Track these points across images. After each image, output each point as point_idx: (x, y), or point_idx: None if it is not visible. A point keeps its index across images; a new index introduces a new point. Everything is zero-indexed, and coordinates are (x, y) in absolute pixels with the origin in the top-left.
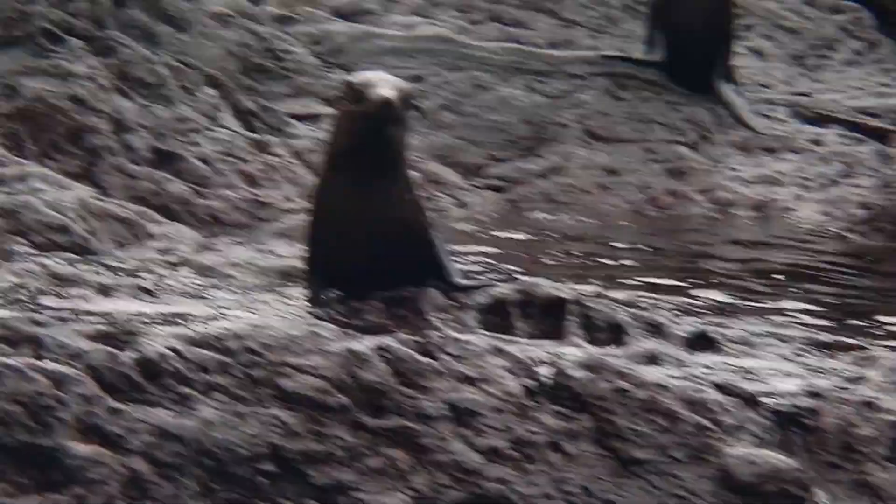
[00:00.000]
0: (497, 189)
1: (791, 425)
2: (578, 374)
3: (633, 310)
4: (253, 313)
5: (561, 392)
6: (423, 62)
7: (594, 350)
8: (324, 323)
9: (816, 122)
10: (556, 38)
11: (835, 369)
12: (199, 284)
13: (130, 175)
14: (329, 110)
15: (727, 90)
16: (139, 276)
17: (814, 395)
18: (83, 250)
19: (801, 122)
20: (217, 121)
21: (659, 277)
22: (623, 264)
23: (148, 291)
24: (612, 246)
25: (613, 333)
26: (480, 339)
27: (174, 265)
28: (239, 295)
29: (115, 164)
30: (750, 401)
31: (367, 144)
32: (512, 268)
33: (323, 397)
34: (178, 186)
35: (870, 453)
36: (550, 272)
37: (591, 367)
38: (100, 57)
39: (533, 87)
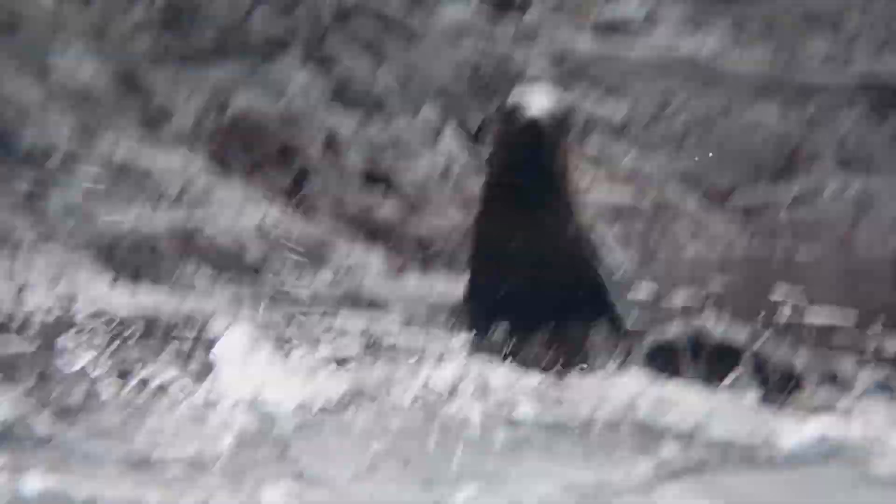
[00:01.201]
0: (742, 217)
1: None
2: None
3: (813, 358)
4: None
5: None
6: (671, 82)
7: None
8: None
9: None
10: (834, 56)
11: None
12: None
13: (339, 196)
14: None
15: None
16: None
17: None
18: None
19: None
20: (438, 143)
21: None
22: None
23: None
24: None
25: (784, 383)
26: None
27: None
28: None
29: (325, 184)
30: None
31: (523, 170)
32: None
33: None
34: (387, 211)
35: None
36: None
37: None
38: (317, 71)
39: (787, 110)
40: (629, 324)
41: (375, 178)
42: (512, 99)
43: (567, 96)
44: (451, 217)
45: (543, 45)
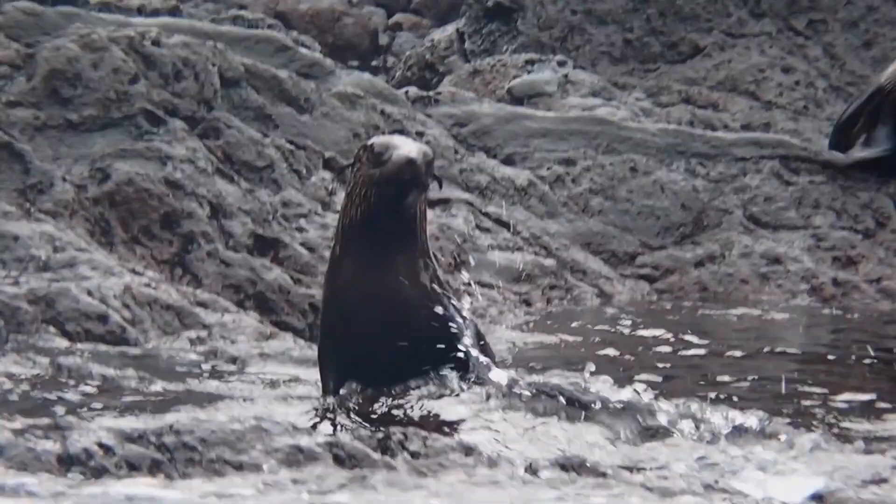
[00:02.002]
0: (647, 279)
1: None
2: (549, 473)
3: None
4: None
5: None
6: (575, 144)
7: None
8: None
9: None
10: (753, 121)
11: None
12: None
13: (225, 262)
14: (466, 195)
15: None
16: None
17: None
18: (120, 340)
19: None
20: (329, 206)
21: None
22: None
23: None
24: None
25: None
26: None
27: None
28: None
29: (210, 251)
30: None
31: (385, 212)
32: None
33: None
34: (276, 274)
35: None
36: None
37: (564, 465)
38: (203, 139)
39: (694, 171)
40: (479, 374)
41: (263, 244)
42: (378, 140)
43: (429, 150)
44: None
45: (444, 110)
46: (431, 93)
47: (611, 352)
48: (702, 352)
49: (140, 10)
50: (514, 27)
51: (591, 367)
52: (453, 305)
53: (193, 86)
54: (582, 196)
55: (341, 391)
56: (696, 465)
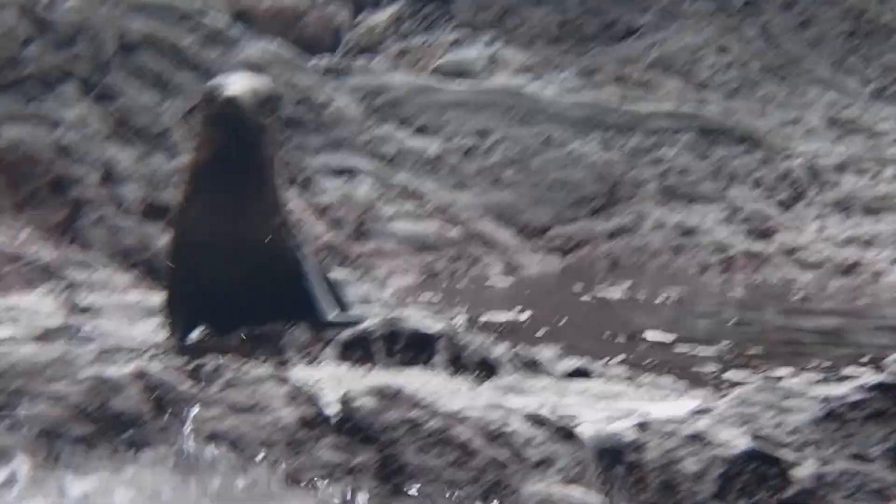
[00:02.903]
0: (558, 251)
1: (612, 460)
2: (365, 402)
3: (511, 347)
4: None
5: (343, 422)
6: (490, 116)
7: (401, 378)
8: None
9: None
10: (685, 101)
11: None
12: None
13: (115, 228)
14: (371, 164)
15: None
16: None
17: (642, 427)
18: None
19: None
20: None
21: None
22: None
23: None
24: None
25: (483, 369)
26: (263, 368)
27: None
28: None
29: (100, 217)
30: (566, 434)
31: (224, 152)
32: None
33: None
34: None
35: (693, 490)
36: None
37: (384, 394)
38: (97, 103)
39: (609, 143)
40: (330, 318)
41: (157, 210)
42: (212, 83)
43: (267, 83)
44: None
45: (357, 81)
46: (343, 62)
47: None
48: None
49: None
50: (450, 9)
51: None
52: (300, 250)
53: (88, 50)
54: (494, 167)
55: (192, 335)
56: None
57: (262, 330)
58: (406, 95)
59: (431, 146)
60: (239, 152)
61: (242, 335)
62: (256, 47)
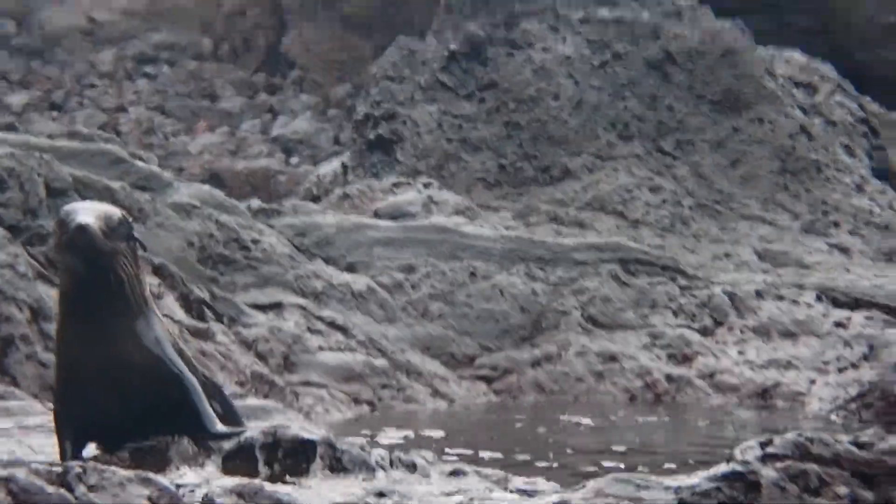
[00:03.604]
0: (485, 380)
1: None
2: (226, 501)
3: (391, 452)
4: None
5: None
6: (417, 252)
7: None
8: None
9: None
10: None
11: None
12: None
13: (43, 364)
14: (296, 299)
15: None
16: None
17: None
18: None
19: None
20: (161, 307)
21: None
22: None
23: None
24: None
25: (363, 472)
26: (128, 472)
27: None
28: None
29: (29, 354)
30: None
31: (80, 280)
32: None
33: None
34: None
35: None
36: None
37: (241, 493)
38: (27, 246)
39: (533, 275)
40: (215, 430)
41: None
42: (62, 212)
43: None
44: None
45: (287, 221)
46: (275, 204)
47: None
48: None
49: None
50: (394, 157)
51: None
52: (179, 365)
53: (18, 196)
54: (421, 301)
55: (83, 453)
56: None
57: (149, 444)
58: (336, 233)
59: (359, 281)
60: (96, 277)
61: (129, 450)
62: (188, 190)
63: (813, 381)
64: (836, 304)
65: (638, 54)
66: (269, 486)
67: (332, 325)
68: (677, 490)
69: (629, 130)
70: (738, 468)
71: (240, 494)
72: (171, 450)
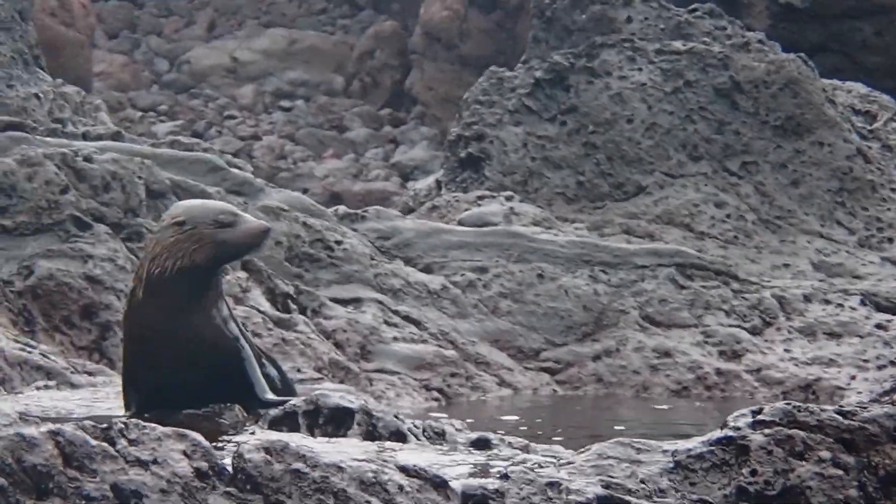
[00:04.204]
0: (549, 371)
1: None
2: (255, 455)
3: (421, 420)
4: None
5: (236, 474)
6: (489, 255)
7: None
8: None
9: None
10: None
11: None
12: None
13: None
14: (374, 295)
15: None
16: None
17: (504, 477)
18: None
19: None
20: (242, 301)
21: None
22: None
23: None
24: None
25: (395, 439)
26: (167, 428)
27: None
28: None
29: None
30: (436, 484)
31: (208, 268)
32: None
33: None
34: None
35: None
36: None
37: (269, 449)
38: (126, 242)
39: (596, 277)
40: (265, 399)
41: None
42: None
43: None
44: None
45: (370, 225)
46: (360, 210)
47: None
48: None
49: (84, 136)
50: (482, 174)
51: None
52: (247, 343)
53: (120, 196)
54: (492, 299)
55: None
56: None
57: (203, 411)
58: (415, 237)
59: (434, 280)
60: (220, 268)
61: (184, 416)
62: (279, 196)
63: (853, 377)
64: (879, 308)
65: (708, 82)
66: (294, 443)
67: (407, 318)
68: (674, 453)
69: (698, 151)
70: (730, 433)
71: (267, 450)
72: (224, 415)
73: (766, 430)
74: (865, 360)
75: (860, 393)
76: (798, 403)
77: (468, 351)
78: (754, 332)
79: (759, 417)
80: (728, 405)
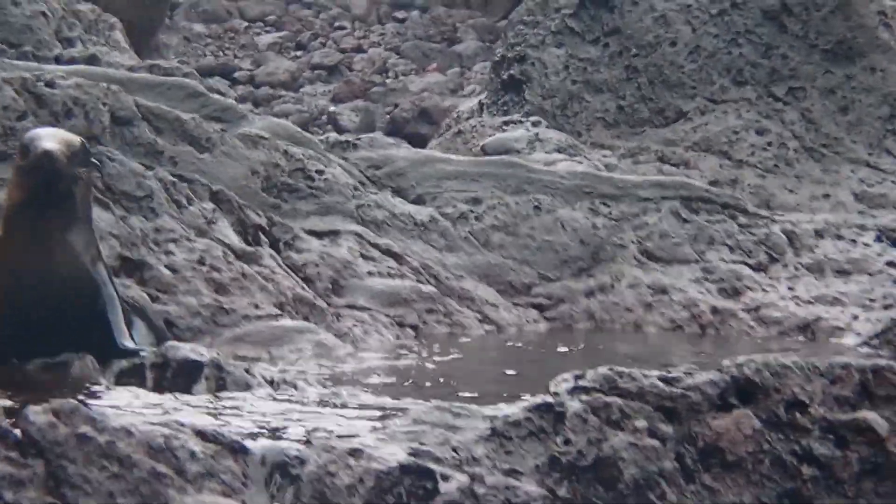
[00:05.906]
0: (538, 307)
1: (280, 474)
2: (39, 418)
3: (273, 372)
4: None
5: (18, 438)
6: (485, 185)
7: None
8: None
9: None
10: (721, 178)
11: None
12: None
13: None
14: (354, 227)
15: None
16: None
17: (306, 442)
18: None
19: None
20: (206, 233)
21: None
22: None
23: None
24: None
25: (241, 390)
26: None
27: None
28: None
29: None
30: (234, 449)
31: (37, 199)
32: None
33: None
34: (135, 292)
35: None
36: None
37: (58, 411)
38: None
39: (597, 210)
40: (121, 347)
41: (130, 266)
42: (27, 134)
43: (76, 139)
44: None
45: (362, 154)
46: (351, 138)
47: None
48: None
49: (57, 59)
50: (522, 97)
51: None
52: (105, 286)
53: (82, 123)
54: (484, 231)
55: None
56: None
57: (56, 359)
58: (408, 167)
59: (422, 211)
60: (50, 198)
61: (40, 364)
62: (261, 123)
63: (855, 317)
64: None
65: (755, 4)
66: (85, 406)
67: (388, 252)
68: (492, 419)
69: (742, 76)
70: (549, 399)
71: (56, 412)
72: (74, 366)
73: (584, 397)
74: (872, 300)
75: (859, 334)
76: (621, 369)
77: (452, 286)
78: (758, 268)
79: (580, 383)
80: (718, 345)
